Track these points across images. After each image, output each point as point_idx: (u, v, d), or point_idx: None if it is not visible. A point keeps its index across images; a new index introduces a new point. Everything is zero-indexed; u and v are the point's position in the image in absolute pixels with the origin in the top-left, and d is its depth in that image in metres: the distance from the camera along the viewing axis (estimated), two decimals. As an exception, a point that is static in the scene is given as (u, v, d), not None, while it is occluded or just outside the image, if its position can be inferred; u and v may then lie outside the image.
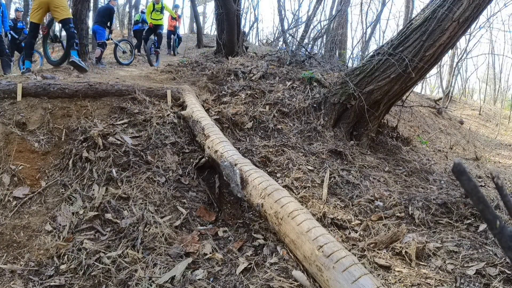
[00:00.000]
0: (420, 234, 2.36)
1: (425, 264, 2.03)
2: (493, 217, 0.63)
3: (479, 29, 10.85)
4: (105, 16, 7.54)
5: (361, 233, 2.40)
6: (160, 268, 1.91)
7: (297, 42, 6.90)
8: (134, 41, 10.48)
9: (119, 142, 2.97)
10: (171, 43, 11.44)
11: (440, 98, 13.32)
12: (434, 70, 13.70)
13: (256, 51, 7.89)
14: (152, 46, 8.81)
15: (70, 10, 5.65)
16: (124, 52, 9.23)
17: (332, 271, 1.54)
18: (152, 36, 8.93)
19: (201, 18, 20.78)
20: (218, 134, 3.03)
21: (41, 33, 5.56)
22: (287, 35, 7.69)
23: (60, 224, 2.31)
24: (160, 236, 2.17)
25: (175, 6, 12.98)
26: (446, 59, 14.09)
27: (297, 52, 6.32)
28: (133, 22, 12.25)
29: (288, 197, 2.03)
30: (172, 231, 2.25)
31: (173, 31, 11.56)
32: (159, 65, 7.73)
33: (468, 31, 6.79)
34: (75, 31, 5.16)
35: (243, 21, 13.04)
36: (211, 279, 1.84)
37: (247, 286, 1.76)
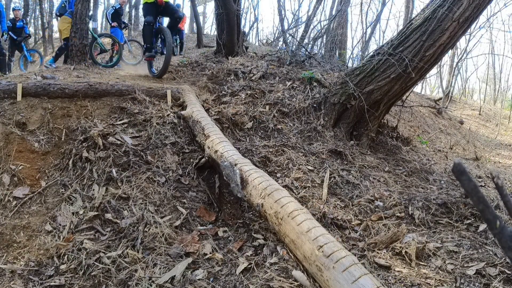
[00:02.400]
0: (420, 234, 2.36)
1: (425, 264, 2.03)
2: (493, 217, 0.63)
3: (479, 29, 10.85)
4: (117, 17, 8.05)
5: (361, 233, 2.40)
6: (160, 268, 1.91)
7: (297, 42, 6.90)
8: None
9: (119, 142, 2.97)
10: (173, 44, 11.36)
11: (440, 98, 13.30)
12: (434, 70, 13.71)
13: (256, 51, 7.87)
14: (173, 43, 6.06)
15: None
16: (129, 51, 9.06)
17: (332, 271, 1.54)
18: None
19: (201, 18, 20.81)
20: (218, 134, 3.03)
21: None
22: (287, 35, 7.69)
23: (60, 224, 2.31)
24: (160, 236, 2.17)
25: (176, 6, 12.77)
26: (446, 59, 14.09)
27: (297, 52, 6.31)
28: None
29: (288, 197, 2.03)
30: (172, 231, 2.25)
31: (175, 31, 11.49)
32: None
33: (468, 31, 6.78)
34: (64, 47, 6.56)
35: (243, 21, 13.05)
36: (211, 279, 1.84)
37: (247, 286, 1.76)
